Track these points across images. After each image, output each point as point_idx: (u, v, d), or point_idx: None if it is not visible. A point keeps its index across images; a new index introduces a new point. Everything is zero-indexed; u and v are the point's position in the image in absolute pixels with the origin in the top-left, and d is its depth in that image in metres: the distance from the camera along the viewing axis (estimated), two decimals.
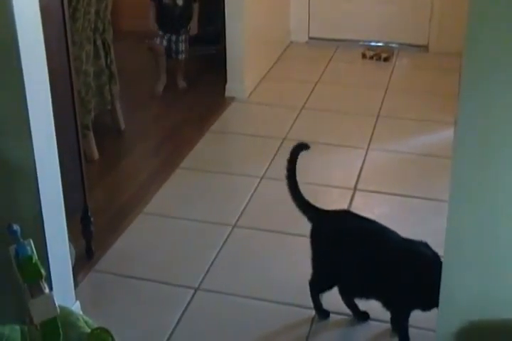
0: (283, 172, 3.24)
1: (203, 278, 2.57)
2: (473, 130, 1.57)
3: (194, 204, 3.05)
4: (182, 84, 4.28)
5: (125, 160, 3.48)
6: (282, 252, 2.73)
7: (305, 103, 4.04)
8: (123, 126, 3.70)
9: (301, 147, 2.33)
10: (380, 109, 3.95)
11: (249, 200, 3.07)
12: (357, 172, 3.28)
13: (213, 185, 3.23)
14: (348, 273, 2.22)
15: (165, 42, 4.15)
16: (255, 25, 4.12)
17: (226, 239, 2.80)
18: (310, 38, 5.05)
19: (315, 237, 2.27)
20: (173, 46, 4.16)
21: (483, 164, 1.58)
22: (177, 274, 2.60)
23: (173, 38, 4.14)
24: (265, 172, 3.30)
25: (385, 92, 4.16)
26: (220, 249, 2.74)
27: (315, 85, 4.30)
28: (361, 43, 4.89)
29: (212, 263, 2.66)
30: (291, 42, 5.01)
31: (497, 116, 1.52)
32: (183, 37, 4.14)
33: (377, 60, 4.67)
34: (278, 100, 4.10)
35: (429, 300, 1.91)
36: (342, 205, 2.97)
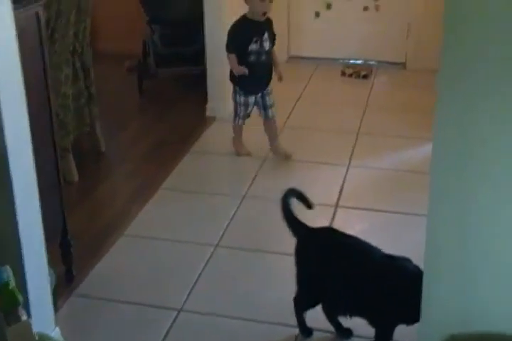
0: (265, 191, 3.27)
1: (186, 299, 2.55)
2: (448, 146, 1.58)
3: (176, 225, 3.03)
4: (281, 151, 3.58)
5: (106, 182, 3.46)
6: (265, 271, 2.72)
7: (286, 121, 4.05)
8: (103, 148, 3.69)
9: (291, 194, 2.33)
10: (360, 126, 3.97)
11: (231, 220, 3.06)
12: (338, 189, 3.29)
13: (195, 205, 3.21)
14: (332, 290, 2.21)
15: (249, 109, 3.56)
16: None
17: (208, 260, 2.78)
18: (290, 57, 5.08)
19: (299, 254, 2.26)
20: (260, 102, 3.55)
21: (460, 178, 1.59)
22: (160, 296, 2.58)
23: (259, 95, 3.54)
24: (247, 191, 3.29)
25: (365, 109, 4.19)
26: (203, 269, 2.72)
27: (295, 103, 4.32)
28: (340, 61, 4.93)
29: (195, 283, 2.64)
30: None
31: (471, 132, 1.54)
32: (270, 89, 3.54)
33: (356, 77, 4.71)
34: (259, 119, 4.11)
35: (414, 314, 1.91)
36: (324, 222, 2.96)
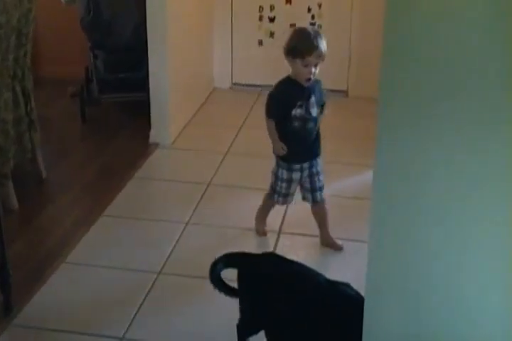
0: (208, 217, 3.26)
1: (128, 328, 2.52)
2: (389, 173, 1.62)
3: (118, 253, 3.00)
4: (331, 241, 3.07)
5: (47, 209, 3.40)
6: (208, 298, 2.69)
7: (229, 148, 4.08)
8: (44, 175, 3.63)
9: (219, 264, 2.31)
10: None
11: (174, 247, 3.05)
12: (281, 216, 3.32)
13: (138, 232, 3.19)
14: (273, 317, 2.22)
15: (292, 187, 3.01)
16: (179, 71, 4.17)
17: (151, 287, 2.76)
18: (233, 84, 5.13)
19: (241, 281, 2.27)
20: (307, 183, 3.00)
21: (400, 205, 1.62)
22: (101, 324, 2.54)
23: (306, 173, 2.99)
24: (190, 218, 3.29)
25: None
26: (145, 296, 2.70)
27: (239, 130, 4.35)
28: None
29: (137, 311, 2.61)
30: (215, 88, 5.08)
31: (411, 158, 1.58)
32: (319, 167, 3.00)
33: None
34: (202, 146, 4.13)
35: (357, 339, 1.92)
36: (267, 248, 2.98)
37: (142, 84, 4.18)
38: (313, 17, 4.93)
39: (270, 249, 3.00)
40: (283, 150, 2.92)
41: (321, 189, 3.00)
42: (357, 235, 3.09)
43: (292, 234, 3.19)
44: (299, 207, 3.41)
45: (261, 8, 4.96)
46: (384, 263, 1.68)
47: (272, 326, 2.25)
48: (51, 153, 3.82)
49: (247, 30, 5.02)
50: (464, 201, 1.56)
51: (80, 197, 3.53)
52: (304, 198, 3.04)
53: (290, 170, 2.95)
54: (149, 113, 4.10)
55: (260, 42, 5.04)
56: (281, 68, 4.99)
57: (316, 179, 2.98)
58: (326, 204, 3.06)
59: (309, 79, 2.84)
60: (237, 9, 4.98)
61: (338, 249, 3.04)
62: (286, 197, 3.02)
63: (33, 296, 2.67)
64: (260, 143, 4.16)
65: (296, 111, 2.87)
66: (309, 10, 4.92)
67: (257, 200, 3.47)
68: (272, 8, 4.95)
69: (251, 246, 2.74)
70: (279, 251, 2.97)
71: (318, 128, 2.96)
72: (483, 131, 1.49)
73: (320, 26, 4.92)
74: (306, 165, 2.96)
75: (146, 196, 3.60)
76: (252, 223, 3.22)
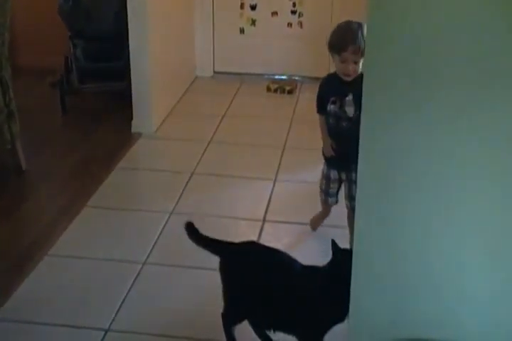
0: (192, 207, 3.25)
1: (114, 319, 2.50)
2: (374, 158, 1.61)
3: (102, 243, 2.97)
4: None
5: (28, 201, 3.36)
6: (194, 287, 2.70)
7: (212, 137, 4.05)
8: (25, 166, 3.58)
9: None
10: (286, 140, 4.02)
11: (159, 236, 3.03)
12: (265, 204, 3.31)
13: (122, 222, 3.16)
14: (256, 304, 2.23)
15: (331, 185, 2.92)
16: (160, 60, 4.13)
17: (136, 277, 2.74)
18: (215, 73, 5.10)
19: (223, 270, 2.27)
20: (346, 188, 2.90)
21: (386, 189, 1.62)
22: (87, 316, 2.52)
23: (343, 176, 2.89)
24: (174, 207, 3.27)
25: (290, 124, 4.25)
26: (131, 287, 2.68)
27: (222, 119, 4.33)
28: (266, 77, 4.98)
29: (123, 302, 2.59)
30: (197, 76, 5.05)
31: (393, 148, 1.58)
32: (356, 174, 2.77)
33: (281, 92, 4.76)
34: (185, 135, 4.10)
35: (337, 311, 1.98)
36: (251, 237, 2.97)
37: (123, 73, 4.14)
38: (294, 5, 4.90)
39: (255, 237, 2.99)
40: (331, 150, 2.82)
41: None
42: (340, 221, 3.08)
43: (276, 222, 3.18)
44: (282, 196, 3.41)
45: None
46: (370, 247, 1.68)
47: (254, 313, 2.26)
48: (31, 144, 3.77)
49: (229, 18, 4.98)
50: (450, 188, 1.57)
51: (61, 188, 3.49)
52: (337, 200, 2.98)
53: (329, 167, 2.90)
54: (131, 102, 4.06)
55: (242, 30, 5.01)
56: (264, 56, 5.00)
57: (354, 187, 2.80)
58: None
59: (348, 75, 2.69)
60: None
61: None
62: (327, 196, 2.95)
63: (16, 289, 2.64)
64: (243, 132, 4.16)
65: (330, 107, 2.77)
66: None
67: (240, 189, 3.46)
68: None
69: (235, 234, 2.72)
70: (263, 239, 2.96)
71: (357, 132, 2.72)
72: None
73: (301, 14, 4.90)
74: (343, 173, 2.86)
75: (130, 186, 3.57)
76: (236, 212, 3.21)
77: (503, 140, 1.49)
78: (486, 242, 1.58)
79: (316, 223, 3.10)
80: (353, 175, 2.78)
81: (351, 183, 2.83)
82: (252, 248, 2.35)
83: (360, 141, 1.61)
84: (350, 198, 2.86)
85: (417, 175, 1.58)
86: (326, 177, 2.92)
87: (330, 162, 2.88)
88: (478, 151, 1.51)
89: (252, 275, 2.22)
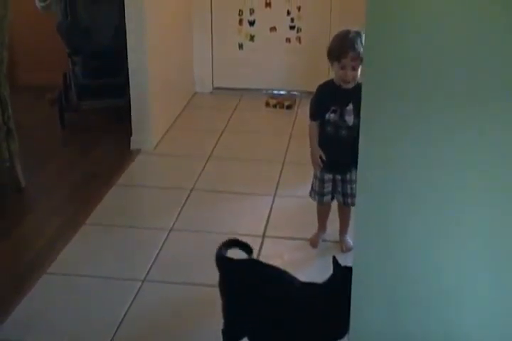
0: (191, 223, 3.23)
1: (113, 336, 2.48)
2: (372, 174, 1.61)
3: (102, 261, 2.95)
4: (343, 243, 3.05)
5: (27, 219, 3.34)
6: (193, 304, 2.67)
7: (211, 152, 4.05)
8: (23, 184, 3.57)
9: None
10: (286, 155, 4.01)
11: (159, 253, 3.01)
12: (265, 219, 3.29)
13: (121, 240, 3.14)
14: (256, 321, 2.22)
15: (325, 186, 2.96)
16: (159, 76, 4.14)
17: (136, 295, 2.72)
18: (214, 88, 5.11)
19: (223, 287, 2.27)
20: (339, 187, 2.95)
21: (384, 203, 1.62)
22: (86, 335, 2.49)
23: (338, 177, 2.95)
24: (173, 224, 3.25)
25: (289, 139, 4.24)
26: (130, 304, 2.65)
27: (221, 134, 4.32)
28: (264, 92, 4.99)
29: (123, 319, 2.57)
30: (196, 92, 5.06)
31: (392, 156, 1.58)
32: (354, 174, 2.86)
33: (280, 107, 4.77)
34: (184, 150, 4.10)
35: (337, 328, 1.98)
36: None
37: (122, 89, 4.14)
38: (292, 20, 4.92)
39: (255, 253, 2.96)
40: (320, 159, 2.86)
41: (352, 195, 2.89)
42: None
43: (276, 237, 3.16)
44: (282, 212, 3.39)
45: (241, 12, 4.95)
46: (370, 261, 1.68)
47: (253, 330, 2.25)
48: (30, 162, 3.76)
49: (227, 34, 5.00)
50: (446, 192, 1.56)
51: (61, 205, 3.48)
52: (332, 197, 3.00)
53: (322, 170, 2.93)
54: (130, 119, 4.05)
55: (240, 46, 5.03)
56: (262, 71, 5.01)
57: (349, 186, 2.90)
58: (350, 211, 2.98)
59: (347, 81, 2.75)
60: (217, 13, 4.96)
61: (341, 250, 3.00)
62: (321, 196, 2.97)
63: (14, 309, 2.61)
64: (242, 147, 4.16)
65: (330, 116, 2.81)
66: (289, 13, 4.91)
67: (240, 204, 3.45)
68: (251, 11, 4.94)
69: (235, 251, 2.68)
70: (263, 255, 2.94)
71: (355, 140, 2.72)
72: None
73: (299, 29, 4.92)
74: (338, 175, 2.91)
75: (129, 203, 3.56)
76: (236, 228, 3.19)
77: (503, 151, 1.48)
78: (486, 254, 1.57)
79: (315, 241, 3.09)
80: (348, 175, 2.88)
81: (346, 183, 2.90)
82: (252, 265, 2.34)
83: (360, 156, 1.60)
84: (345, 195, 2.94)
85: (416, 188, 1.58)
86: (320, 179, 2.95)
87: (324, 167, 2.91)
88: (478, 162, 1.50)
89: (252, 293, 2.20)
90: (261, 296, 2.19)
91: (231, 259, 2.31)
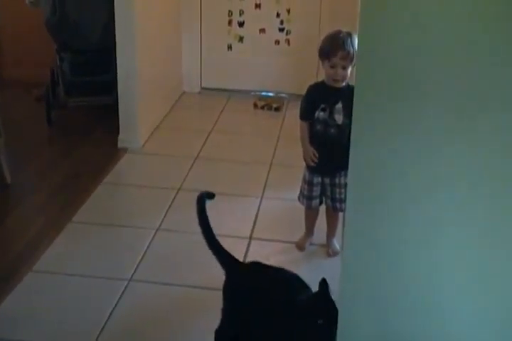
0: (178, 223, 3.23)
1: (98, 336, 2.47)
2: (362, 179, 1.62)
3: (87, 260, 2.94)
4: (330, 248, 3.07)
5: (12, 215, 3.32)
6: (180, 304, 2.67)
7: (199, 153, 4.05)
8: (9, 180, 3.55)
9: (205, 196, 2.31)
10: (273, 157, 4.02)
11: (145, 253, 3.00)
12: (252, 221, 3.30)
13: (107, 238, 3.13)
14: (252, 326, 2.21)
15: (314, 190, 2.97)
16: (147, 75, 4.13)
17: (122, 294, 2.71)
18: (202, 88, 5.10)
19: (228, 289, 2.25)
20: (328, 192, 2.96)
21: (373, 212, 1.62)
22: (71, 334, 2.48)
23: (327, 180, 2.96)
24: (160, 223, 3.25)
25: (277, 141, 4.25)
26: (116, 304, 2.65)
27: (208, 135, 4.32)
28: (253, 93, 4.99)
29: (108, 319, 2.56)
30: (184, 92, 5.05)
31: (384, 159, 1.59)
32: (343, 178, 2.87)
33: (268, 109, 4.78)
34: (172, 150, 4.09)
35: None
36: (238, 254, 2.92)
37: (110, 87, 4.12)
38: (281, 22, 4.93)
39: (241, 255, 2.97)
40: (313, 157, 2.88)
41: (341, 200, 2.91)
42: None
43: (262, 239, 3.16)
44: (269, 214, 3.40)
45: (230, 13, 4.95)
46: (358, 266, 1.68)
47: (248, 333, 2.24)
48: (16, 158, 3.74)
49: (216, 35, 5.00)
50: (437, 200, 1.57)
51: (46, 203, 3.46)
52: (321, 202, 3.01)
53: (311, 173, 2.95)
54: (117, 117, 4.04)
55: (229, 47, 5.03)
56: (251, 73, 5.01)
57: (338, 191, 2.91)
58: (338, 216, 3.01)
59: (337, 80, 2.80)
60: (206, 14, 4.96)
61: (333, 254, 3.02)
62: (310, 200, 2.98)
63: None
64: (229, 148, 4.16)
65: (319, 114, 2.84)
66: (278, 15, 4.92)
67: (227, 206, 3.45)
68: (241, 12, 4.94)
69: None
70: (249, 257, 2.95)
71: (345, 140, 2.51)
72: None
73: (289, 31, 4.94)
74: (326, 178, 2.93)
75: (116, 202, 3.54)
76: (222, 228, 3.18)
77: (495, 156, 1.49)
78: (478, 255, 1.58)
79: (302, 245, 3.10)
80: (337, 179, 2.89)
81: (335, 187, 2.92)
82: (260, 269, 2.32)
83: (350, 157, 1.60)
84: (334, 200, 2.95)
85: (408, 190, 1.58)
86: (309, 183, 2.96)
87: (313, 168, 2.93)
88: (473, 165, 1.51)
89: (251, 294, 2.19)
90: (258, 303, 2.17)
91: (238, 262, 2.30)
